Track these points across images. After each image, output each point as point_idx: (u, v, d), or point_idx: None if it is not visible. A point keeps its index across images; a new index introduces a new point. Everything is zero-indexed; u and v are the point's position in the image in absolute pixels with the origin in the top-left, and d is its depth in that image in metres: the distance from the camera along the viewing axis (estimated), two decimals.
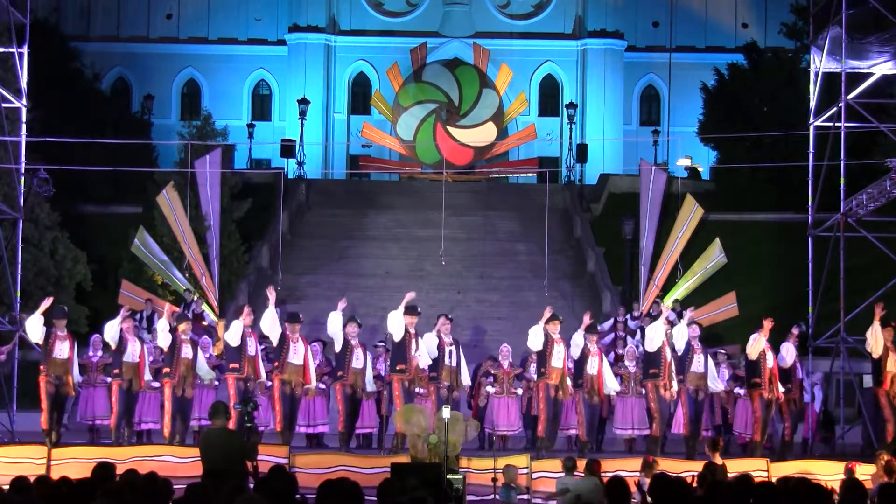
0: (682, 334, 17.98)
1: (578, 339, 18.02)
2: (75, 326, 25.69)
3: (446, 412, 14.90)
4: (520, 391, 19.35)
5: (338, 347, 18.15)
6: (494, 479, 15.05)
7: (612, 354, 20.48)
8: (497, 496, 14.91)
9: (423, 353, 17.84)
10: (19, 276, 22.48)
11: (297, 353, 17.88)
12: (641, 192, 26.90)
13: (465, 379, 18.53)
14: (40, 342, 18.13)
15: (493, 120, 44.82)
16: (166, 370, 17.82)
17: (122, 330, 18.16)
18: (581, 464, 14.53)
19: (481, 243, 33.10)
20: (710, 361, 18.46)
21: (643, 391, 18.57)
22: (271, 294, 18.06)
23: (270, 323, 17.94)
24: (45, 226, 27.07)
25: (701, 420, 18.26)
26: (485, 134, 44.83)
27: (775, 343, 18.66)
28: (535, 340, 17.80)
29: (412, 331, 17.94)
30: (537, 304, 28.81)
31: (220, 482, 9.00)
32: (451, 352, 18.07)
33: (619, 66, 49.18)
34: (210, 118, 32.31)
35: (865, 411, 19.09)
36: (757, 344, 17.96)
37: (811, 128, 23.13)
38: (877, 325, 18.08)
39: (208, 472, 10.63)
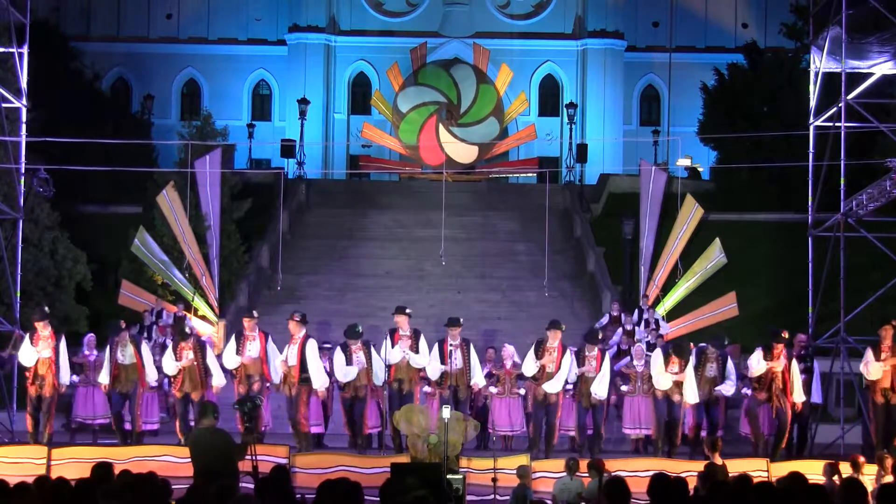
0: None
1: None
2: (75, 326, 25.71)
3: (446, 412, 14.90)
4: (522, 391, 19.36)
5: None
6: (494, 479, 15.05)
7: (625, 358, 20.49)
8: (496, 496, 14.92)
9: (422, 354, 17.80)
10: (19, 276, 22.48)
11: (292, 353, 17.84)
12: (641, 192, 26.92)
13: (477, 379, 18.30)
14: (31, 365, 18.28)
15: (480, 148, 44.74)
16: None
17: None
18: (583, 463, 14.55)
19: (481, 243, 33.10)
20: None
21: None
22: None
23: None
24: (45, 226, 27.07)
25: (717, 422, 18.24)
26: (466, 153, 44.69)
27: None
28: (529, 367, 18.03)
29: (403, 332, 17.86)
30: (537, 304, 28.92)
31: (210, 482, 8.99)
32: (453, 354, 17.94)
33: (619, 66, 49.18)
34: (210, 118, 32.29)
35: (865, 411, 19.08)
36: (759, 367, 17.87)
37: (811, 128, 23.10)
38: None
39: (199, 472, 10.63)
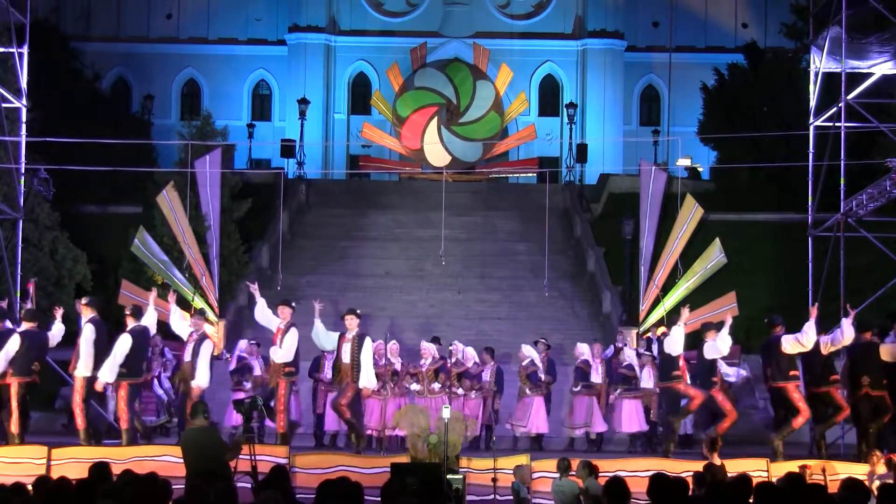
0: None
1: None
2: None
3: (446, 412, 14.88)
4: (412, 388, 19.42)
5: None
6: (494, 479, 15.04)
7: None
8: (496, 496, 14.90)
9: (284, 349, 16.83)
10: (19, 276, 22.47)
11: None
12: (641, 192, 26.85)
13: (365, 380, 16.98)
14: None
15: (455, 162, 44.70)
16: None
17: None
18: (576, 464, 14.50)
19: (481, 243, 33.10)
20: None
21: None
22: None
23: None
24: (45, 226, 27.06)
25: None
26: (442, 157, 44.61)
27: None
28: (679, 343, 17.38)
29: (282, 326, 16.97)
30: (537, 304, 28.92)
31: (204, 482, 9.00)
32: (347, 347, 17.02)
33: (619, 66, 49.19)
34: (210, 118, 32.31)
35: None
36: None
37: (811, 128, 23.11)
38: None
39: (192, 472, 10.61)
